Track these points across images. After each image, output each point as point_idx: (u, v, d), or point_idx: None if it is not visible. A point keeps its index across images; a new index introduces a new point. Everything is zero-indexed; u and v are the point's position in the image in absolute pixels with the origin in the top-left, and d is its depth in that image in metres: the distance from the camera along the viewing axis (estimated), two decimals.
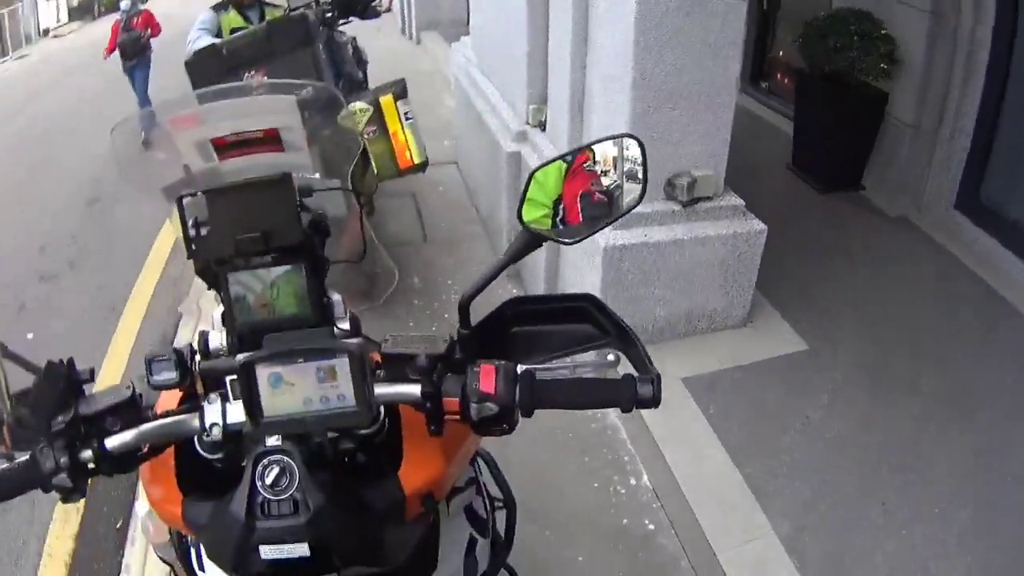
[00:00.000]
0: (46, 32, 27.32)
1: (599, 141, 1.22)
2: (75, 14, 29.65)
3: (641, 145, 1.21)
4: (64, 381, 1.18)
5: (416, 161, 3.70)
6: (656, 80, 3.13)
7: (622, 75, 3.16)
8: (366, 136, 3.58)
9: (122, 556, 2.89)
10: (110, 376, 4.07)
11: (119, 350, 4.33)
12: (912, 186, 4.88)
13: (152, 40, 8.94)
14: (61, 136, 9.51)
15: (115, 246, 5.71)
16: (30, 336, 4.72)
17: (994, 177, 4.42)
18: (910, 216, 4.79)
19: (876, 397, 3.26)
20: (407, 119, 3.65)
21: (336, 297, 1.24)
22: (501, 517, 1.56)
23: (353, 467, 1.19)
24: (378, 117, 3.62)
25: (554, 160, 1.21)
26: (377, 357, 1.16)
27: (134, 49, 8.73)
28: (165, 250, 5.31)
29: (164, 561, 1.43)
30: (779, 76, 6.62)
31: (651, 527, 2.84)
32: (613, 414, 3.27)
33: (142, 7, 9.07)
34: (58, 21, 28.82)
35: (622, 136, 1.22)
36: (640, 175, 1.22)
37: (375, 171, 3.64)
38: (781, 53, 6.59)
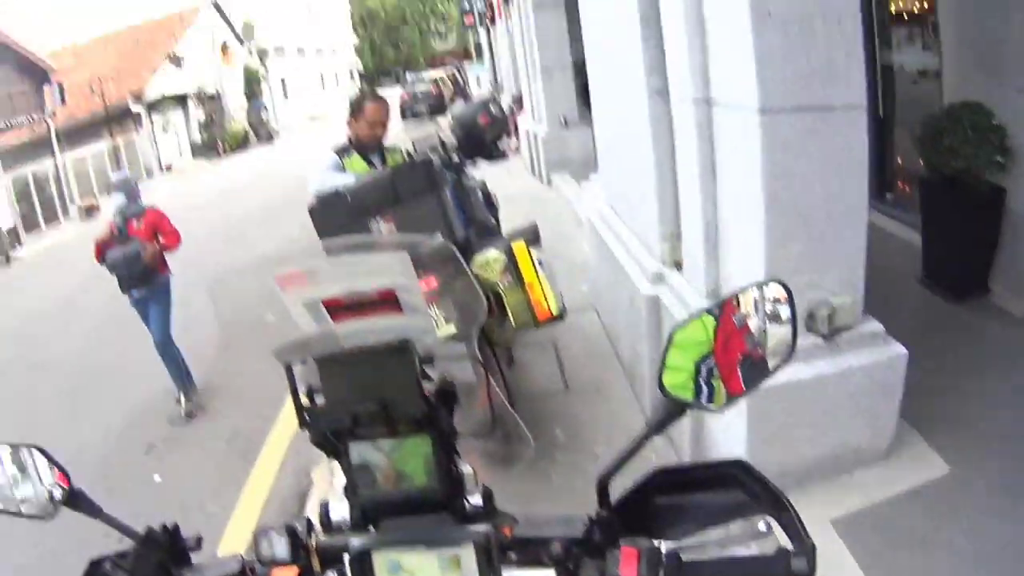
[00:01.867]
0: (168, 167, 29.08)
1: (742, 290, 1.12)
2: (198, 151, 31.61)
3: (787, 289, 1.12)
4: (166, 549, 1.16)
5: (554, 312, 3.62)
6: (787, 205, 3.05)
7: (753, 204, 3.09)
8: (502, 285, 3.55)
9: None
10: (236, 531, 4.05)
11: (249, 504, 4.31)
12: None
13: (168, 253, 5.83)
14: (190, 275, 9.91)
15: (249, 392, 5.67)
16: (157, 478, 4.83)
17: None
18: None
19: (1021, 515, 3.03)
20: (541, 266, 3.61)
21: (467, 469, 1.18)
22: None
23: None
24: (512, 266, 3.59)
25: (694, 316, 1.10)
26: (507, 531, 1.10)
27: (133, 272, 5.56)
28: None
29: None
30: (903, 185, 6.42)
31: None
32: None
33: (143, 205, 5.88)
34: (180, 156, 30.67)
35: (767, 282, 1.13)
36: (789, 322, 1.13)
37: (512, 322, 3.58)
38: (901, 160, 6.42)
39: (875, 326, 3.31)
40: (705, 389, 1.09)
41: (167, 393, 5.95)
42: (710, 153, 3.41)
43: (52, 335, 8.93)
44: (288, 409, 5.30)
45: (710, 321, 1.09)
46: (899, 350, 3.26)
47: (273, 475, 4.62)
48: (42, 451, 1.31)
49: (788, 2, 2.87)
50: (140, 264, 5.49)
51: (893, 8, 6.38)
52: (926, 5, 5.77)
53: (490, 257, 3.61)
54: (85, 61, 31.80)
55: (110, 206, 5.93)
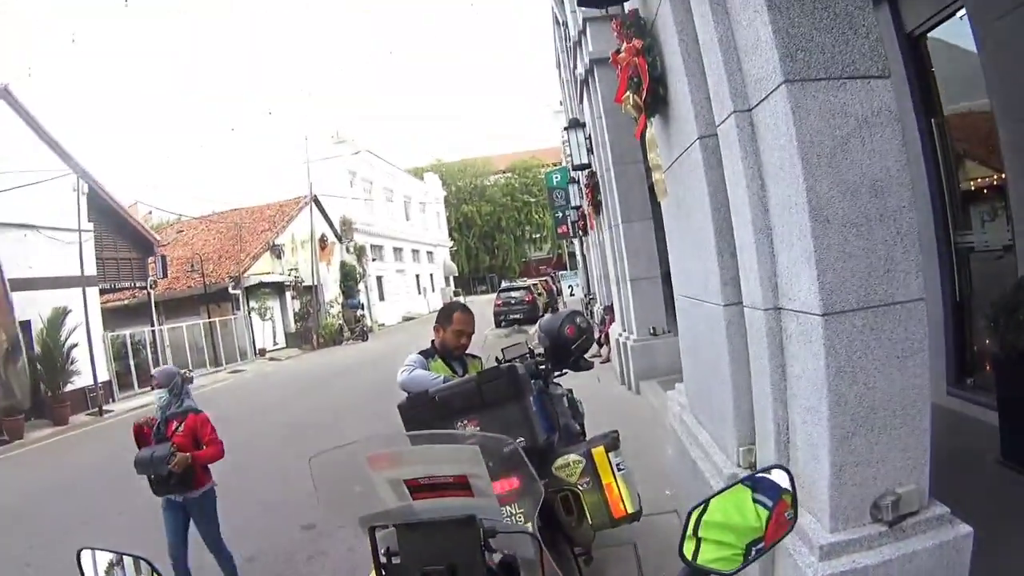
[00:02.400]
0: (262, 352, 30.12)
1: (751, 476, 1.31)
2: (292, 340, 32.63)
3: (789, 474, 1.28)
4: None
5: (629, 511, 3.70)
6: (851, 402, 3.12)
7: (818, 404, 3.18)
8: (581, 487, 3.66)
9: None
10: None
11: None
12: None
13: (207, 463, 5.28)
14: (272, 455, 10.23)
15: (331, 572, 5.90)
16: None
17: None
18: None
19: None
20: (619, 469, 3.72)
21: None
22: None
23: None
24: (591, 468, 3.73)
25: (710, 498, 1.28)
26: None
27: (159, 476, 5.02)
28: None
29: None
30: (985, 368, 6.24)
31: None
32: None
33: (189, 405, 5.39)
34: (275, 344, 31.76)
35: (771, 468, 1.32)
36: (792, 502, 1.28)
37: (590, 521, 3.67)
38: (980, 346, 6.32)
39: (940, 509, 3.27)
40: (755, 551, 1.27)
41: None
42: (780, 358, 3.55)
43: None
44: None
45: (762, 498, 1.30)
46: (964, 529, 3.20)
47: None
48: (149, 563, 1.48)
49: (846, 206, 3.08)
50: (166, 470, 4.96)
51: (972, 186, 6.47)
52: (998, 177, 5.85)
53: (571, 459, 3.77)
54: (187, 239, 33.95)
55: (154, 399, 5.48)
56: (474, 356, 4.85)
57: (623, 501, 3.68)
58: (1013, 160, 5.31)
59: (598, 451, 3.74)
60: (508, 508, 2.41)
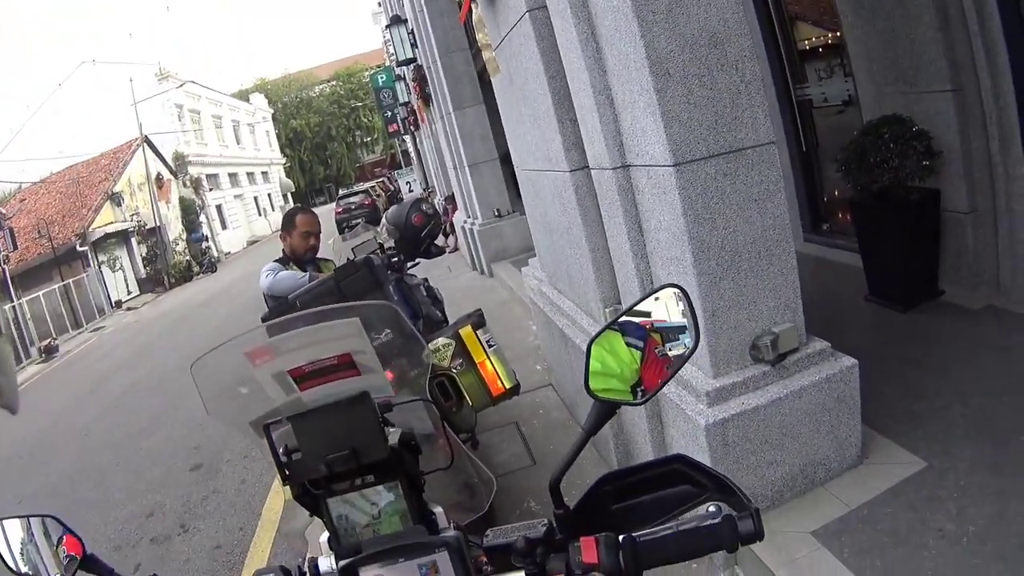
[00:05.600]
0: (118, 303, 28.87)
1: (642, 299, 1.26)
2: (145, 285, 31.41)
3: (683, 291, 1.25)
4: None
5: (507, 386, 3.68)
6: (714, 248, 3.19)
7: (681, 253, 3.24)
8: (455, 370, 3.62)
9: None
10: None
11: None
12: (988, 272, 4.79)
13: None
14: (157, 403, 9.95)
15: (225, 507, 5.81)
16: None
17: None
18: (995, 303, 4.69)
19: (1005, 489, 3.10)
20: (490, 346, 3.68)
21: (438, 510, 1.28)
22: None
23: None
24: (461, 349, 3.67)
25: (605, 329, 1.25)
26: (482, 557, 1.18)
27: None
28: (278, 507, 5.37)
29: None
30: (838, 213, 6.63)
31: None
32: None
33: None
34: (128, 293, 30.48)
35: (663, 287, 1.27)
36: (691, 321, 1.24)
37: (471, 403, 3.63)
38: (835, 192, 6.64)
39: (820, 344, 3.42)
40: (640, 392, 1.24)
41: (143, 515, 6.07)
42: (635, 214, 3.57)
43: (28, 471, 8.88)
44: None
45: (617, 332, 1.25)
46: (848, 361, 3.37)
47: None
48: (57, 520, 1.38)
49: (686, 59, 3.06)
50: None
51: (807, 44, 6.69)
52: (837, 34, 6.02)
53: (439, 343, 3.68)
54: (30, 206, 32.12)
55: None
56: (326, 260, 4.80)
57: (500, 378, 3.66)
58: (851, 18, 5.45)
59: (466, 331, 3.68)
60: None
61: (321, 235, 4.86)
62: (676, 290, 1.26)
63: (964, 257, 4.90)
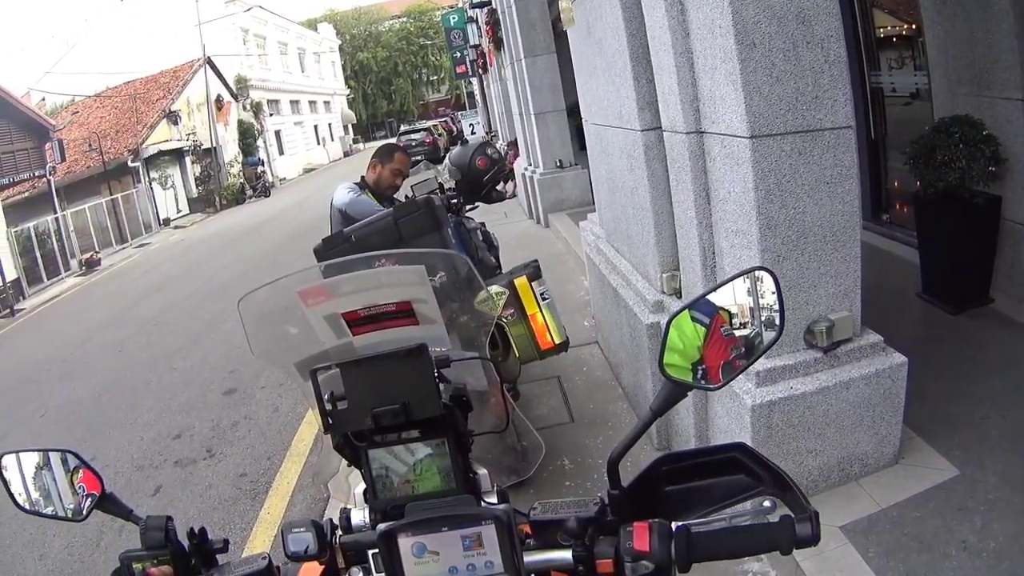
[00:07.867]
0: (167, 221, 29.21)
1: (731, 279, 1.19)
2: (195, 205, 31.70)
3: (774, 277, 1.18)
4: (194, 550, 1.22)
5: (557, 341, 3.67)
6: (781, 226, 3.12)
7: (747, 227, 3.17)
8: (505, 319, 3.60)
9: None
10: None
11: (259, 539, 4.34)
12: None
13: None
14: (197, 324, 10.03)
15: (255, 435, 5.84)
16: None
17: None
18: None
19: None
20: (543, 299, 3.66)
21: (482, 471, 1.23)
22: None
23: None
24: (515, 300, 3.64)
25: (685, 308, 1.19)
26: (527, 528, 1.14)
27: None
28: (308, 439, 5.40)
29: None
30: (899, 205, 6.50)
31: None
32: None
33: None
34: (178, 211, 30.80)
35: (753, 270, 1.19)
36: (777, 309, 1.18)
37: (517, 354, 3.62)
38: (897, 183, 6.52)
39: (874, 337, 3.36)
40: (701, 371, 1.16)
41: (169, 437, 6.10)
42: (704, 182, 3.49)
43: (55, 384, 8.93)
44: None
45: (703, 330, 1.17)
46: (899, 359, 3.31)
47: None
48: (76, 455, 1.36)
49: (772, 31, 2.96)
50: None
51: (881, 32, 6.55)
52: (912, 27, 5.92)
53: (493, 291, 3.62)
54: (83, 119, 32.40)
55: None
56: (400, 201, 4.71)
57: (549, 332, 3.64)
58: (932, 14, 5.28)
59: (521, 281, 3.65)
60: None
61: None
62: (767, 273, 1.20)
63: (1018, 268, 4.79)
